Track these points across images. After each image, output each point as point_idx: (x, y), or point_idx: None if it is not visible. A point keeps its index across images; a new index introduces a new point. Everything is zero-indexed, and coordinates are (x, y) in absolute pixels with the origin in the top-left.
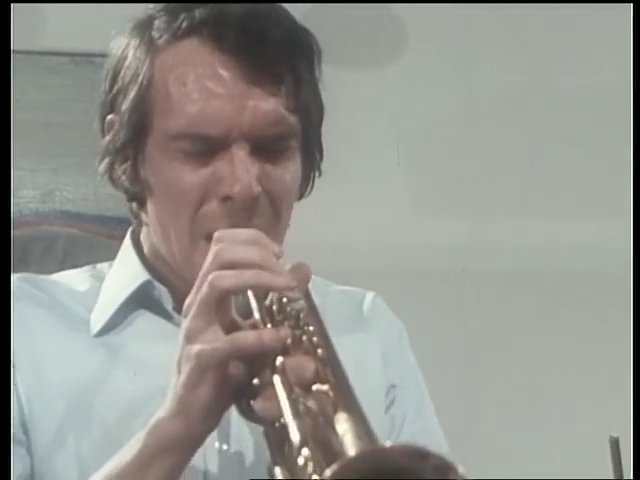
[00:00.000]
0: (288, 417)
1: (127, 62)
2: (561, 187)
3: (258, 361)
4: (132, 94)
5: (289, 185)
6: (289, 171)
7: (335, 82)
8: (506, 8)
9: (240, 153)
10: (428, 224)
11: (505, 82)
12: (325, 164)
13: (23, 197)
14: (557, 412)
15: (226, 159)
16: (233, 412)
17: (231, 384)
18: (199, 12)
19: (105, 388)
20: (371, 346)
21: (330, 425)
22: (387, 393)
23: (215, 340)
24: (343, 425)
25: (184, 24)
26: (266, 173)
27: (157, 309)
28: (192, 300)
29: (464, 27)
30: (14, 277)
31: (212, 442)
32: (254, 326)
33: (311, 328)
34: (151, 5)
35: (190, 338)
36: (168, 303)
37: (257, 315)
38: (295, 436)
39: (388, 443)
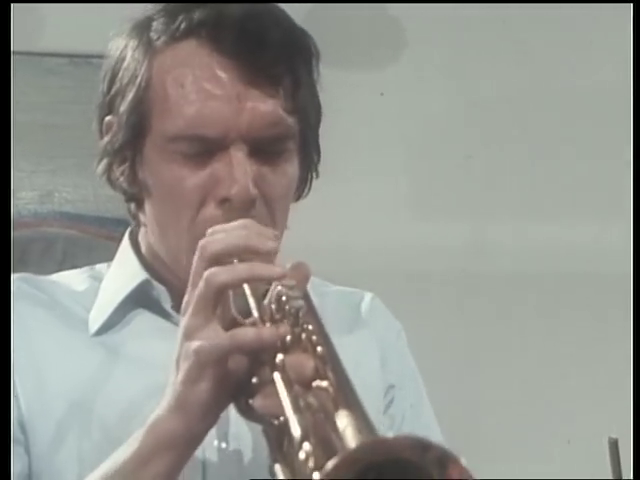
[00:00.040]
0: (289, 412)
1: (125, 63)
2: (561, 188)
3: (257, 359)
4: (130, 95)
5: (286, 188)
6: (286, 173)
7: (333, 83)
8: (506, 8)
9: (238, 155)
10: (427, 225)
11: (505, 83)
12: (324, 165)
13: (22, 198)
14: (557, 412)
15: (224, 161)
16: (232, 411)
17: (230, 381)
18: (197, 14)
19: (104, 387)
20: (369, 347)
21: (331, 420)
22: (386, 394)
23: (214, 337)
24: (344, 420)
25: (182, 25)
26: (262, 175)
27: (155, 308)
28: (190, 298)
29: (463, 27)
30: (13, 277)
31: (211, 441)
32: (254, 325)
33: (310, 327)
34: (149, 6)
35: (189, 335)
36: (166, 302)
37: (256, 314)
38: (296, 431)
39: (390, 434)
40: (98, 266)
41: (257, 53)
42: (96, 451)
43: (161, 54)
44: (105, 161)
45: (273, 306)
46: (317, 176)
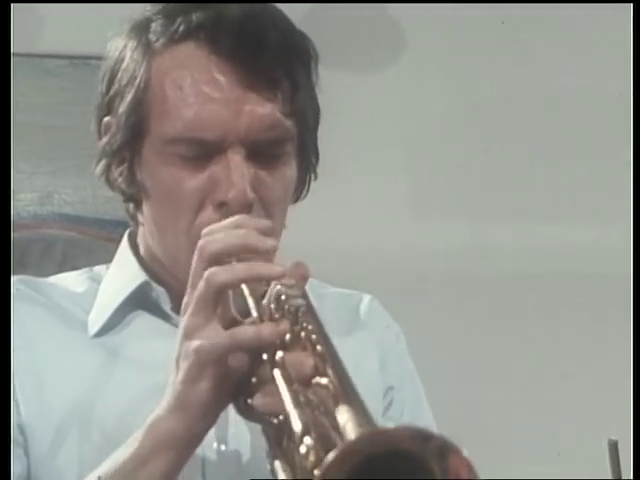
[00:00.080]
0: (289, 406)
1: (124, 64)
2: (561, 188)
3: (256, 358)
4: (129, 97)
5: (283, 191)
6: (284, 176)
7: (333, 85)
8: (505, 8)
9: (236, 158)
10: (427, 227)
11: (504, 83)
12: (323, 167)
13: (21, 200)
14: (557, 412)
15: (222, 164)
16: (231, 412)
17: (230, 380)
18: (196, 16)
19: (104, 389)
20: (368, 349)
21: (331, 415)
22: (384, 395)
23: (214, 336)
24: (344, 415)
25: (181, 28)
26: (260, 179)
27: (155, 310)
28: (190, 298)
29: (463, 27)
30: (12, 279)
31: (210, 442)
32: (253, 324)
33: (309, 326)
34: (148, 7)
35: (189, 335)
36: (166, 304)
37: (255, 313)
38: (297, 425)
39: (390, 425)
40: (97, 268)
41: (255, 56)
42: (96, 453)
43: (160, 56)
44: (104, 162)
45: (272, 305)
46: (315, 178)
